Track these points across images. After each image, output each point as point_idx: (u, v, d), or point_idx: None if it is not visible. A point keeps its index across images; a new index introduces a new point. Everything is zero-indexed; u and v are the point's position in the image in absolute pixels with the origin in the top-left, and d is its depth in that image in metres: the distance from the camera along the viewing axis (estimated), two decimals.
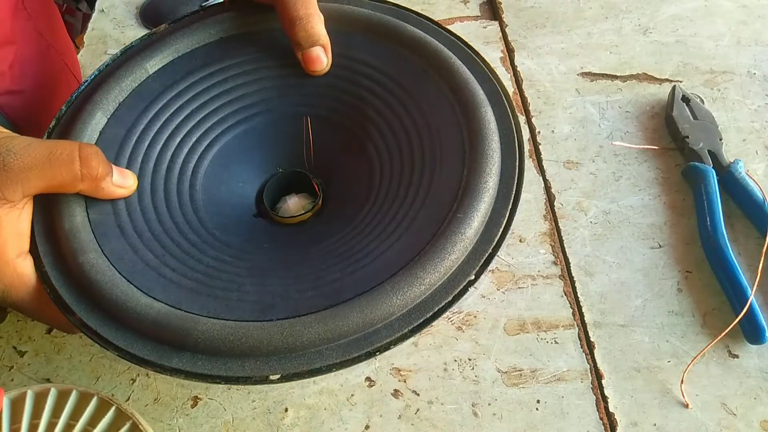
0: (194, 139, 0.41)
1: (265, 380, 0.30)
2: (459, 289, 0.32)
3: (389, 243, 0.34)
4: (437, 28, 0.42)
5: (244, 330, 0.31)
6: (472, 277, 0.32)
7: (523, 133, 0.37)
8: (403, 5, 0.43)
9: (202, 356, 0.31)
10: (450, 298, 0.32)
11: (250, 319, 0.31)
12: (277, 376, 0.30)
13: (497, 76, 0.39)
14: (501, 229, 0.34)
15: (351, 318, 0.30)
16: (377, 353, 0.30)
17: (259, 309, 0.32)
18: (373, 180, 0.40)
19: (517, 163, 0.36)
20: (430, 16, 0.43)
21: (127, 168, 0.38)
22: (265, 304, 0.32)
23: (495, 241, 0.33)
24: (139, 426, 0.32)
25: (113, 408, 0.33)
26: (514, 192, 0.35)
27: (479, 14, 0.58)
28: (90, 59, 0.57)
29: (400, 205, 0.36)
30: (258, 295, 0.33)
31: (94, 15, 0.61)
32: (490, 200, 0.34)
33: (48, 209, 0.35)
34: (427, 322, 0.31)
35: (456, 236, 0.32)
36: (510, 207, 0.34)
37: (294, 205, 0.43)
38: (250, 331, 0.31)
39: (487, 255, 0.33)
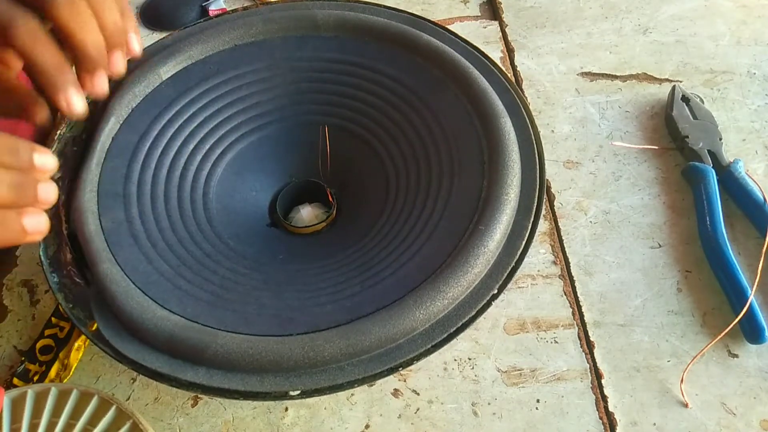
0: (207, 146, 0.41)
1: (284, 396, 0.30)
2: (482, 303, 0.32)
3: (408, 255, 0.34)
4: (453, 37, 0.42)
5: (264, 345, 0.30)
6: (495, 291, 0.32)
7: (543, 144, 0.37)
8: (404, 6, 0.43)
9: (218, 371, 0.30)
10: (473, 313, 0.31)
11: (269, 333, 0.31)
12: (297, 392, 0.30)
13: (515, 86, 0.39)
14: (524, 242, 0.33)
15: (373, 333, 0.30)
16: (399, 369, 0.30)
17: (277, 323, 0.31)
18: (389, 190, 0.40)
19: (538, 174, 0.36)
20: (430, 17, 0.43)
21: (140, 175, 0.37)
22: (284, 318, 0.32)
23: (518, 254, 0.33)
24: (140, 425, 0.32)
25: (113, 407, 0.33)
26: (536, 203, 0.35)
27: (479, 14, 0.58)
28: None
29: (418, 217, 0.36)
30: (276, 309, 0.32)
31: None
32: (512, 212, 0.34)
33: (58, 219, 0.35)
34: (450, 338, 0.31)
35: (478, 249, 0.32)
36: (532, 219, 0.34)
37: (307, 214, 0.42)
38: (270, 346, 0.30)
39: (510, 268, 0.33)
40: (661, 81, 0.51)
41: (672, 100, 0.48)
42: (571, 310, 0.40)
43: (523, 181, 0.35)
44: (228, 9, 0.57)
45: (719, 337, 0.38)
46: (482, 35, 0.56)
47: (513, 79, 0.53)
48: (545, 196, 0.36)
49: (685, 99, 0.48)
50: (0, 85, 0.27)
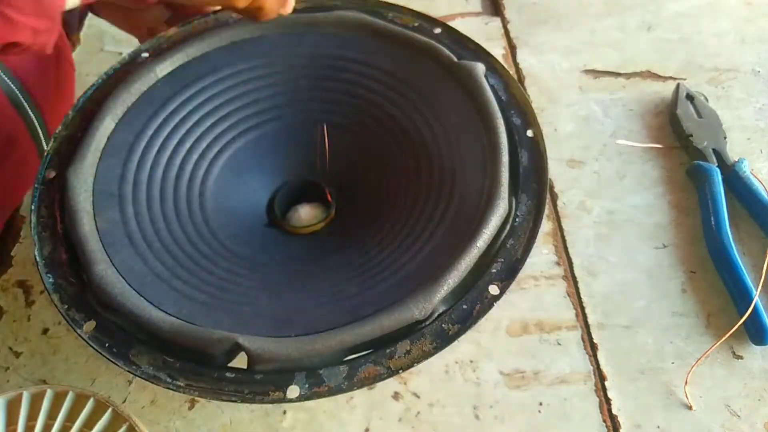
0: (204, 145, 0.40)
1: (282, 399, 0.29)
2: (483, 304, 0.31)
3: (408, 256, 0.33)
4: (454, 34, 0.41)
5: (261, 346, 0.30)
6: (497, 292, 0.32)
7: (545, 144, 0.36)
8: (405, 2, 0.43)
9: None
10: (474, 314, 0.31)
11: (266, 334, 0.30)
12: (296, 394, 0.29)
13: (518, 85, 0.39)
14: (526, 242, 0.33)
15: (372, 335, 0.30)
16: (400, 371, 0.30)
17: (275, 324, 0.31)
18: (389, 190, 0.39)
19: (541, 175, 0.35)
20: (431, 13, 0.42)
21: (135, 174, 0.37)
22: (281, 319, 0.31)
23: (520, 255, 0.33)
24: (136, 428, 0.32)
25: (110, 410, 0.32)
26: (537, 204, 0.34)
27: (481, 10, 0.58)
28: (86, 56, 0.57)
29: (419, 217, 0.36)
30: (273, 310, 0.32)
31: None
32: (514, 212, 0.34)
33: (53, 219, 0.34)
34: (451, 339, 0.31)
35: (479, 249, 0.32)
36: (534, 219, 0.34)
37: (306, 214, 0.42)
38: (267, 348, 0.30)
39: (512, 269, 0.32)
40: (665, 79, 0.51)
41: (676, 98, 0.48)
42: (574, 311, 0.40)
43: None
44: None
45: (724, 338, 0.38)
46: (484, 32, 0.55)
47: (516, 76, 0.52)
48: (548, 195, 0.35)
49: (690, 97, 0.48)
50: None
